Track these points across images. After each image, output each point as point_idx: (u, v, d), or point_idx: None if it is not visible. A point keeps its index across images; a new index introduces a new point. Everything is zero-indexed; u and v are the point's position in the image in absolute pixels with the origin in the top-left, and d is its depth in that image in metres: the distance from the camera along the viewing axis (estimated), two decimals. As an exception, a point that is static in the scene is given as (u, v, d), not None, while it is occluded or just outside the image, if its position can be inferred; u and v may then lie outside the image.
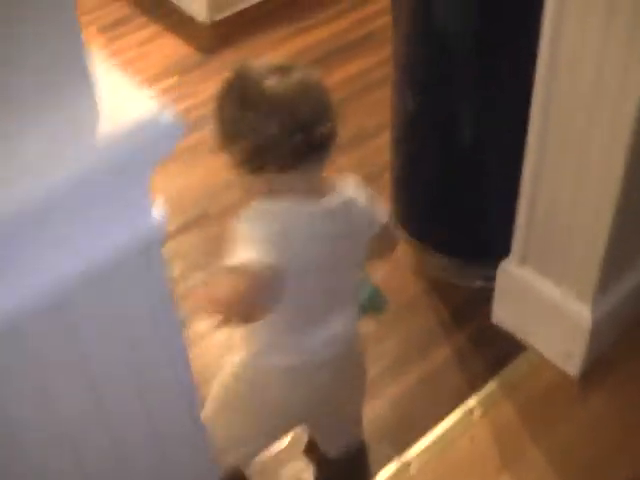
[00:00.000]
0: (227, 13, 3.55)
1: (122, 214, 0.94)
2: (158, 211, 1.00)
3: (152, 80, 3.30)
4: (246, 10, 3.56)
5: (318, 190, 1.53)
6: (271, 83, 1.47)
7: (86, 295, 0.95)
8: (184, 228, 2.70)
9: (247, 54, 3.36)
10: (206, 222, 2.73)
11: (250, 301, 1.48)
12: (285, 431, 1.90)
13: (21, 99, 0.85)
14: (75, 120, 0.89)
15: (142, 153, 0.91)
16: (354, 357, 1.76)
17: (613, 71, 1.75)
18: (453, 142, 2.31)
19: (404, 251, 2.58)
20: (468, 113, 2.26)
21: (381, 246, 1.70)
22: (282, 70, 1.50)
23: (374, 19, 3.49)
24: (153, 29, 3.58)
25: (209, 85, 3.13)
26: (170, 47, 3.47)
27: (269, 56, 3.35)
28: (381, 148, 2.86)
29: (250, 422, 1.75)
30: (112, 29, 3.59)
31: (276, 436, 1.88)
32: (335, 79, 3.20)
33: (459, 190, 2.36)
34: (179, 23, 3.58)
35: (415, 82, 2.27)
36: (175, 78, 3.32)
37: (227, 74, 1.58)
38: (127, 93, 0.93)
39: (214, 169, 2.87)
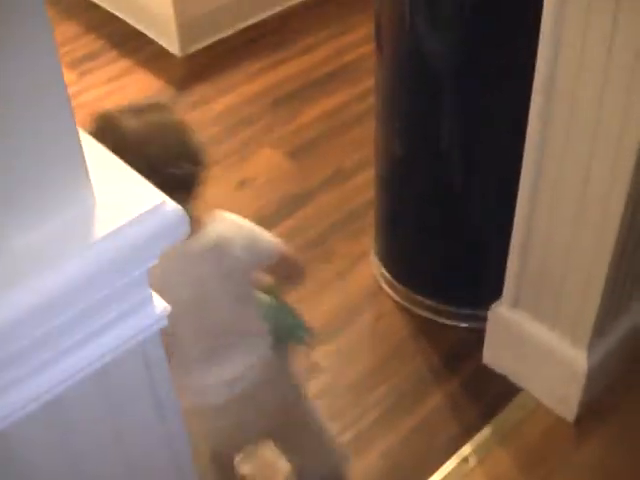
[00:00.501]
0: (200, 45, 3.48)
1: (120, 312, 0.90)
2: (157, 305, 0.93)
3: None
4: (220, 42, 3.50)
5: None
6: (126, 124, 1.47)
7: (83, 394, 0.91)
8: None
9: (221, 88, 3.30)
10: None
11: None
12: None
13: (14, 199, 0.80)
14: (71, 220, 0.84)
15: (139, 251, 0.86)
16: (272, 390, 1.71)
17: (612, 113, 1.70)
18: (441, 182, 2.25)
19: (389, 294, 2.51)
20: (457, 151, 2.20)
21: (284, 274, 1.71)
22: (137, 112, 1.51)
23: (351, 50, 3.43)
24: (124, 63, 3.50)
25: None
26: (142, 82, 3.39)
27: (242, 89, 3.29)
28: (363, 186, 2.81)
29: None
30: (81, 64, 3.51)
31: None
32: (312, 114, 3.14)
33: (448, 231, 2.30)
34: (151, 56, 3.51)
35: (400, 120, 2.21)
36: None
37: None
38: (125, 186, 0.87)
39: (192, 210, 2.79)
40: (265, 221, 2.68)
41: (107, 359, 0.90)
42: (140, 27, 3.60)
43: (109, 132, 1.45)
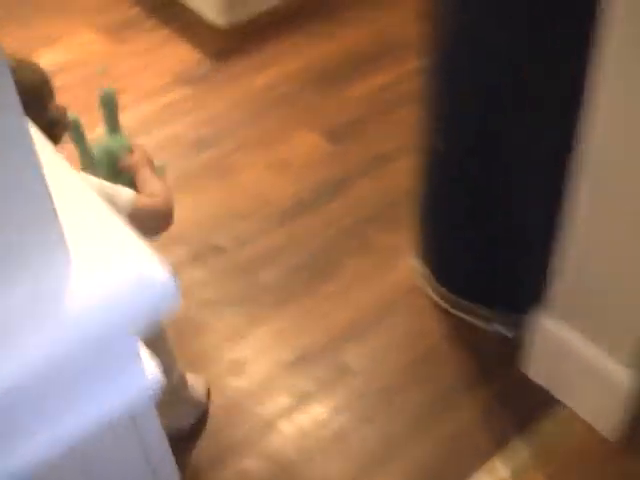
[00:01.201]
0: (243, 16, 3.35)
1: (110, 382, 0.81)
2: (149, 371, 0.84)
3: (159, 90, 3.12)
4: (263, 13, 3.36)
5: None
6: None
7: (72, 462, 0.84)
8: (190, 261, 2.51)
9: (262, 62, 3.18)
10: (216, 254, 2.55)
11: None
12: None
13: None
14: (41, 290, 0.74)
15: (121, 327, 0.76)
16: None
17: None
18: (484, 179, 2.12)
19: (426, 292, 2.40)
20: (504, 147, 2.07)
21: (146, 225, 1.56)
22: None
23: (400, 26, 3.28)
24: (163, 32, 3.38)
25: (221, 96, 2.96)
26: (180, 52, 3.27)
27: (284, 65, 3.16)
28: (405, 173, 2.68)
29: None
30: (118, 31, 3.40)
31: None
32: (355, 94, 3.02)
33: (490, 235, 2.18)
34: (191, 26, 3.39)
35: (446, 119, 2.08)
36: (185, 88, 3.12)
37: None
38: (109, 250, 0.77)
39: (225, 196, 2.69)
40: (300, 207, 2.58)
41: (93, 435, 0.81)
42: (181, -6, 3.49)
43: None
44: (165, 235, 2.60)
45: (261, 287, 2.44)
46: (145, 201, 1.66)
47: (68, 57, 3.30)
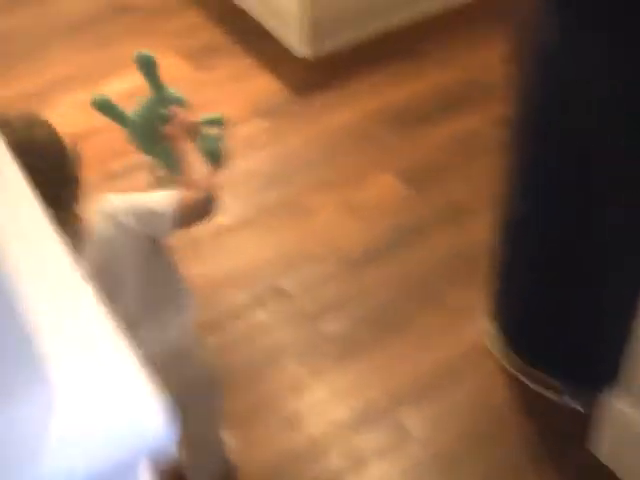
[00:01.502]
0: (327, 49, 3.27)
1: None
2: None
3: (237, 121, 3.05)
4: (348, 47, 3.28)
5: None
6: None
7: None
8: (253, 304, 2.43)
9: (344, 98, 3.10)
10: (280, 299, 2.46)
11: None
12: None
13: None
14: (14, 428, 0.65)
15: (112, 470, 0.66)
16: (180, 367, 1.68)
17: None
18: (568, 248, 2.00)
19: (495, 357, 2.28)
20: (592, 217, 1.94)
21: (192, 219, 1.63)
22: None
23: (485, 70, 3.16)
24: (246, 61, 3.32)
25: (299, 132, 2.89)
26: (262, 83, 3.21)
27: (366, 102, 3.06)
28: (483, 227, 2.56)
29: None
30: (200, 57, 3.35)
31: None
32: (434, 138, 2.90)
33: (569, 306, 2.05)
34: (274, 56, 3.32)
35: (530, 180, 1.97)
36: (263, 120, 3.05)
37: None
38: (96, 383, 0.68)
39: (295, 236, 2.61)
40: (371, 254, 2.48)
41: None
42: (266, 23, 3.42)
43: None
44: (229, 273, 2.55)
45: (324, 337, 2.35)
46: (185, 199, 1.59)
47: (143, 83, 3.25)
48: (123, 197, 1.58)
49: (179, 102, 1.85)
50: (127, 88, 3.20)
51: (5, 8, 3.69)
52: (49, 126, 1.57)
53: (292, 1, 3.14)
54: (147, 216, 1.55)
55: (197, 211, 1.61)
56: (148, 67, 1.82)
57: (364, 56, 3.24)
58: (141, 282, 1.60)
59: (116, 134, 2.99)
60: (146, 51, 1.87)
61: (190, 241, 2.57)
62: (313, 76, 3.21)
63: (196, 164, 1.66)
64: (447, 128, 2.93)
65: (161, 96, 1.81)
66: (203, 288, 2.43)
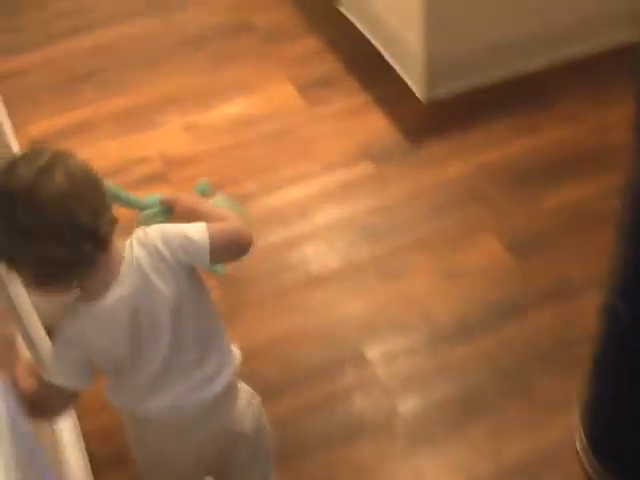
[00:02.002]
0: (446, 92, 3.11)
1: None
2: None
3: (342, 161, 2.93)
4: (467, 92, 3.11)
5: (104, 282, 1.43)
6: (39, 197, 1.30)
7: None
8: (333, 369, 2.31)
9: (457, 149, 2.94)
10: (361, 367, 2.33)
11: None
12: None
13: None
14: None
15: None
16: (222, 419, 1.63)
17: None
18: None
19: (582, 463, 2.10)
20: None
21: (229, 251, 1.51)
22: (42, 173, 1.31)
23: (613, 131, 2.94)
24: (360, 98, 3.20)
25: (405, 182, 2.75)
26: (373, 124, 3.07)
27: (479, 156, 2.89)
28: (588, 309, 2.36)
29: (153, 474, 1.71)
30: (313, 88, 3.25)
31: None
32: (547, 204, 2.72)
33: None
34: (390, 95, 3.18)
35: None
36: (368, 164, 2.92)
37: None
38: None
39: (385, 298, 2.48)
40: (463, 329, 2.34)
41: None
42: (387, 56, 3.28)
43: (21, 215, 1.30)
44: (312, 330, 2.43)
45: (399, 416, 2.21)
46: (219, 226, 1.49)
47: (256, 109, 3.17)
48: (156, 227, 1.48)
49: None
50: (235, 113, 3.13)
51: (126, 17, 3.66)
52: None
53: (416, 37, 2.98)
54: (184, 242, 1.45)
55: (233, 237, 1.51)
56: (203, 194, 1.68)
57: (482, 103, 3.07)
58: (177, 322, 1.49)
59: (219, 162, 2.94)
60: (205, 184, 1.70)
61: (276, 290, 2.47)
62: (428, 120, 3.06)
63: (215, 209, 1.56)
64: (560, 193, 2.74)
65: None
66: (284, 342, 2.34)
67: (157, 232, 1.46)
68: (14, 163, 1.33)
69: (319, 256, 2.62)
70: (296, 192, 2.83)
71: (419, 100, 3.10)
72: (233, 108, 3.20)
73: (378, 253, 2.61)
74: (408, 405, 2.24)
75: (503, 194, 2.76)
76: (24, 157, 1.36)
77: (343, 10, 3.52)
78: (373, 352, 2.35)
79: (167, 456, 1.65)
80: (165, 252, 1.45)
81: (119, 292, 1.43)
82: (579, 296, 2.45)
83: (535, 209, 2.70)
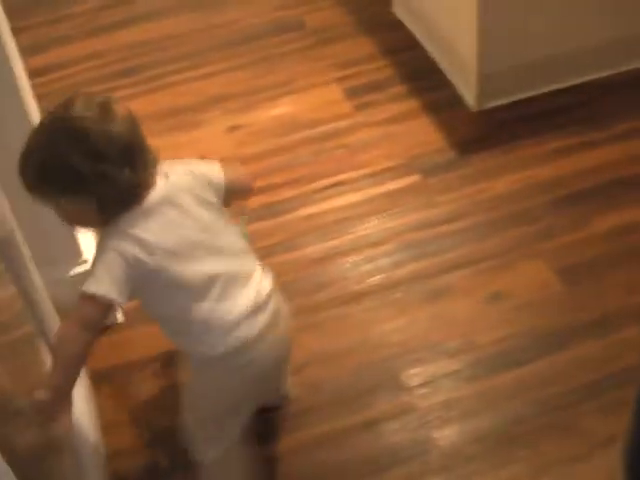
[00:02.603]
0: (498, 102, 2.99)
1: None
2: None
3: (386, 171, 2.83)
4: (520, 103, 2.99)
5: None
6: (112, 126, 1.51)
7: None
8: (368, 395, 2.22)
9: (505, 164, 2.82)
10: (398, 394, 2.23)
11: None
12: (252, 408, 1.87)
13: None
14: None
15: None
16: (282, 316, 1.79)
17: None
18: None
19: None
20: None
21: (237, 196, 1.85)
22: (103, 107, 1.53)
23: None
24: (409, 104, 3.08)
25: (452, 196, 2.66)
26: (422, 133, 2.96)
27: (528, 172, 2.77)
28: (634, 347, 2.26)
29: (218, 413, 1.80)
30: (361, 92, 3.14)
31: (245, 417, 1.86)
32: (602, 227, 2.59)
33: None
34: (440, 102, 3.07)
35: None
36: (414, 176, 2.81)
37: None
38: None
39: (425, 321, 2.38)
40: (505, 358, 2.23)
41: None
42: (439, 62, 3.17)
43: (97, 138, 1.51)
44: (347, 352, 2.32)
45: (435, 447, 2.11)
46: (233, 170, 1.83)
47: (301, 112, 3.08)
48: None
49: None
50: (279, 115, 3.04)
51: (171, 12, 3.58)
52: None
53: (470, 44, 2.87)
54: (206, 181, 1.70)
55: (242, 184, 1.88)
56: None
57: (534, 116, 2.95)
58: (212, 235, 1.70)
59: (260, 166, 2.85)
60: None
61: (309, 306, 2.38)
62: (478, 131, 2.95)
63: None
64: (613, 217, 2.60)
65: None
66: (314, 363, 2.25)
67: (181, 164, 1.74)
68: (70, 102, 1.52)
69: (358, 271, 2.52)
70: (337, 201, 2.74)
71: (469, 109, 2.99)
72: (278, 110, 3.11)
73: (420, 271, 2.50)
74: (444, 435, 2.14)
75: (553, 214, 2.64)
76: (74, 99, 1.54)
77: (397, 13, 3.41)
78: (410, 377, 2.25)
79: (248, 386, 1.78)
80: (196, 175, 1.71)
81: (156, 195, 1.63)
82: (628, 331, 2.33)
83: (586, 232, 2.58)
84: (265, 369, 1.77)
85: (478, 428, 2.15)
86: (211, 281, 1.66)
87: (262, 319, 1.70)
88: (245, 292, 1.69)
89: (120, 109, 1.54)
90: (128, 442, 2.17)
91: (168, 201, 1.62)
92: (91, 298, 1.55)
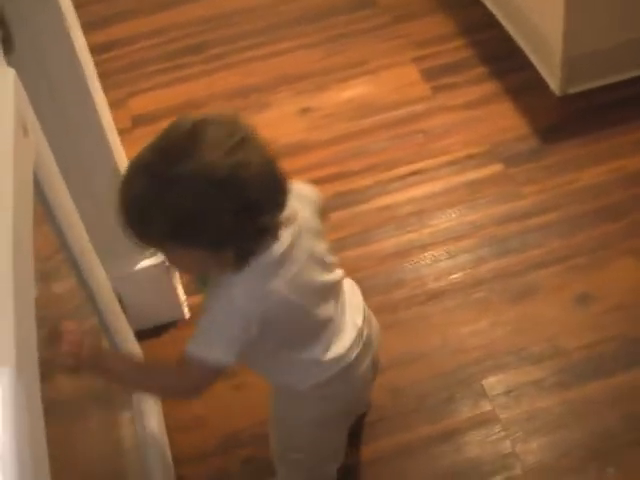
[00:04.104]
0: (583, 87, 2.82)
1: None
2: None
3: (464, 160, 2.68)
4: (605, 89, 2.81)
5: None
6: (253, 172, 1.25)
7: None
8: (445, 402, 2.08)
9: (592, 154, 2.65)
10: (478, 403, 2.10)
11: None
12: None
13: None
14: None
15: None
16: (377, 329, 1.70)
17: None
18: None
19: None
20: None
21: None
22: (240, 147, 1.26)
23: None
24: (490, 86, 2.93)
25: (536, 186, 2.48)
26: (503, 118, 2.80)
27: (618, 162, 2.60)
28: None
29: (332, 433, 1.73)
30: (439, 76, 2.98)
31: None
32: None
33: None
34: (523, 85, 2.91)
35: None
36: (495, 166, 2.66)
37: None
38: None
39: (515, 324, 2.23)
40: (596, 363, 2.10)
41: None
42: (521, 43, 3.01)
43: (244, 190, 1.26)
44: (429, 355, 2.19)
45: (517, 460, 1.97)
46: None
47: (376, 94, 2.94)
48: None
49: None
50: (353, 97, 2.91)
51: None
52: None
53: (552, 28, 2.70)
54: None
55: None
56: None
57: (623, 101, 2.76)
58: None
59: (334, 152, 2.72)
60: None
61: (385, 305, 2.26)
62: (562, 116, 2.78)
63: None
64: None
65: None
66: (391, 368, 2.12)
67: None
68: (196, 135, 1.24)
69: (437, 267, 2.38)
70: (415, 191, 2.60)
71: (553, 93, 2.83)
72: (351, 91, 2.98)
73: (504, 268, 2.36)
74: (528, 448, 2.00)
75: (641, 207, 2.47)
76: (200, 129, 1.26)
77: (475, -11, 3.25)
78: (491, 385, 2.11)
79: (347, 406, 1.70)
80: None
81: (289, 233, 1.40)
82: None
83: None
84: (360, 391, 1.72)
85: (564, 441, 2.01)
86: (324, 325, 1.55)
87: (360, 345, 1.60)
88: (347, 322, 1.58)
89: (256, 137, 1.31)
90: (195, 447, 2.07)
91: (297, 242, 1.42)
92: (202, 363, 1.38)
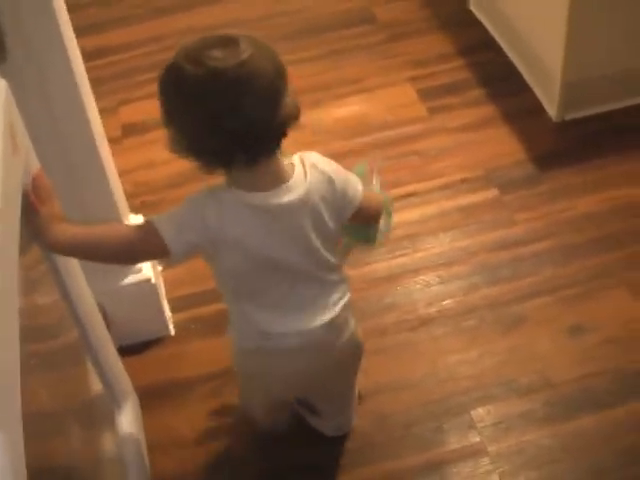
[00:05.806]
0: (582, 113, 2.80)
1: None
2: None
3: (462, 184, 2.64)
4: (602, 116, 2.79)
5: (269, 183, 1.46)
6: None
7: None
8: (434, 433, 2.04)
9: (589, 181, 2.62)
10: (466, 435, 2.05)
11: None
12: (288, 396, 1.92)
13: None
14: None
15: None
16: (340, 346, 1.68)
17: None
18: None
19: None
20: None
21: (368, 218, 1.67)
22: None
23: None
24: (487, 110, 2.90)
25: (530, 214, 2.46)
26: (498, 142, 2.77)
27: (612, 192, 2.57)
28: None
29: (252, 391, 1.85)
30: (436, 97, 2.95)
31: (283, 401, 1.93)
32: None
33: None
34: (520, 110, 2.88)
35: None
36: (490, 191, 2.62)
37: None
38: None
39: (504, 355, 2.20)
40: (586, 396, 2.05)
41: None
42: (520, 68, 2.98)
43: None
44: (413, 385, 2.14)
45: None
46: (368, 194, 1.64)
47: (372, 112, 2.90)
48: (325, 163, 1.57)
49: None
50: (349, 115, 2.87)
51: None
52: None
53: (554, 49, 2.68)
54: (343, 181, 1.56)
55: (374, 210, 1.68)
56: (359, 176, 1.65)
57: (620, 130, 2.75)
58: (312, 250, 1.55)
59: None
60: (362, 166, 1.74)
61: (374, 330, 2.22)
62: (559, 143, 2.76)
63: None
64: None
65: None
66: (378, 394, 2.07)
67: (328, 167, 1.54)
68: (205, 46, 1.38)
69: (429, 292, 2.35)
70: (408, 214, 2.56)
71: (550, 119, 2.80)
72: (346, 109, 2.94)
73: (495, 297, 2.32)
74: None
75: (637, 242, 2.44)
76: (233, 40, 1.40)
77: (474, 10, 3.22)
78: (480, 416, 2.08)
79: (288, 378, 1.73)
80: (334, 187, 1.52)
81: (287, 197, 1.46)
82: None
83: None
84: (281, 382, 1.75)
85: (554, 476, 1.97)
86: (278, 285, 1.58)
87: (304, 341, 1.63)
88: (307, 313, 1.61)
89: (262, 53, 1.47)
90: (174, 465, 2.02)
91: (303, 204, 1.49)
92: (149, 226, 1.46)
